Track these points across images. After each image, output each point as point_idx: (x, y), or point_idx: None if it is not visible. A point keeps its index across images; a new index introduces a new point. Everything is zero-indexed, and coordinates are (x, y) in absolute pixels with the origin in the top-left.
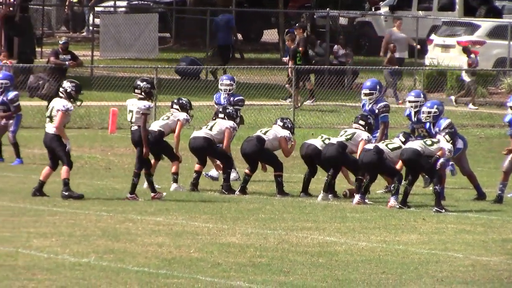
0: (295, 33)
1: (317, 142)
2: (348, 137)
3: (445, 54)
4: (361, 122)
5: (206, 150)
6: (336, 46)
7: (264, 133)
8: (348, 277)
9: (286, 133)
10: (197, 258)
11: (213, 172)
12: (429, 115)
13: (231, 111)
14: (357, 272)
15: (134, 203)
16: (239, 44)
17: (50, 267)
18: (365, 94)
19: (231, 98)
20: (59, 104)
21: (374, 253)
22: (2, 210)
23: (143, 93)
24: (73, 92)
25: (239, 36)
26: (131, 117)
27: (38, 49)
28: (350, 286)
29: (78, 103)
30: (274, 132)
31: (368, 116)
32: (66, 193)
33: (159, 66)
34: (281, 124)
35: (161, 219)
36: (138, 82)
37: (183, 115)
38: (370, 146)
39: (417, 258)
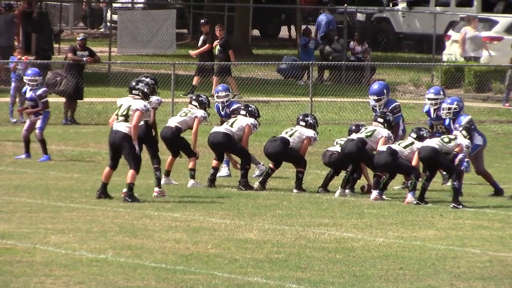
0: (203, 29)
1: (338, 149)
2: (369, 134)
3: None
4: (379, 120)
5: (225, 145)
6: (352, 42)
7: (290, 136)
8: (366, 273)
9: (311, 133)
10: (214, 254)
11: (223, 172)
12: (449, 111)
13: (253, 109)
14: (374, 268)
15: (151, 199)
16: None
17: (67, 263)
18: (375, 100)
19: (228, 110)
20: (139, 103)
21: (391, 249)
22: (20, 206)
23: (140, 94)
24: (148, 91)
25: (257, 32)
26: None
27: (55, 45)
28: (368, 282)
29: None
30: (299, 134)
31: (387, 113)
32: (130, 199)
33: (176, 62)
34: (304, 123)
35: (178, 215)
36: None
37: (201, 112)
38: (383, 147)
39: (435, 254)
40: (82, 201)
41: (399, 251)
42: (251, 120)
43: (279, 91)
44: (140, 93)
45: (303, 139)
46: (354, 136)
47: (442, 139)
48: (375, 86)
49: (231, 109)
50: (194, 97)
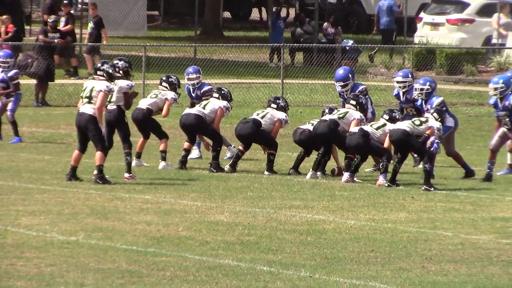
0: (64, 10)
1: (310, 127)
2: (341, 115)
3: (434, 32)
4: (352, 102)
5: (197, 127)
6: (325, 24)
7: (262, 117)
8: (337, 256)
9: (283, 115)
10: (185, 237)
11: (194, 154)
12: (421, 92)
13: (226, 92)
14: (346, 251)
15: (123, 181)
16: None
17: (38, 245)
18: (341, 86)
19: (198, 92)
20: (101, 84)
21: (363, 232)
22: None
23: (104, 75)
24: (111, 71)
25: (228, 14)
26: (111, 97)
27: (27, 27)
28: (339, 265)
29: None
30: (271, 116)
31: (360, 96)
32: (100, 181)
33: (147, 44)
34: (275, 106)
35: (149, 197)
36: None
37: (171, 94)
38: (355, 129)
39: (406, 236)
40: (53, 183)
41: (370, 234)
42: (223, 103)
43: (250, 73)
44: (104, 74)
45: (274, 121)
46: (326, 117)
47: (413, 122)
48: (340, 72)
49: (202, 91)
50: (164, 78)
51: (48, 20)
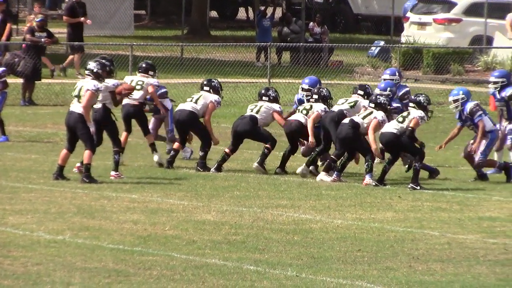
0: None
1: (299, 117)
2: (351, 104)
3: (421, 31)
4: (360, 92)
5: (189, 124)
6: (311, 23)
7: (257, 112)
8: (324, 255)
9: (276, 107)
10: (172, 236)
11: (187, 152)
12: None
13: (215, 83)
14: (333, 250)
15: (109, 180)
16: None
17: (25, 244)
18: (304, 89)
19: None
20: (89, 83)
21: (350, 231)
22: None
23: (91, 74)
24: (100, 71)
25: (215, 13)
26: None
27: (14, 27)
28: (326, 264)
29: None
30: (265, 108)
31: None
32: (87, 180)
33: (134, 43)
34: (267, 98)
35: (136, 196)
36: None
37: (214, 97)
38: (346, 120)
39: (393, 236)
40: (40, 182)
41: (357, 233)
42: (215, 97)
43: (236, 72)
44: (90, 73)
45: (271, 113)
46: (335, 108)
47: (397, 120)
48: (307, 80)
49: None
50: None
51: (35, 19)
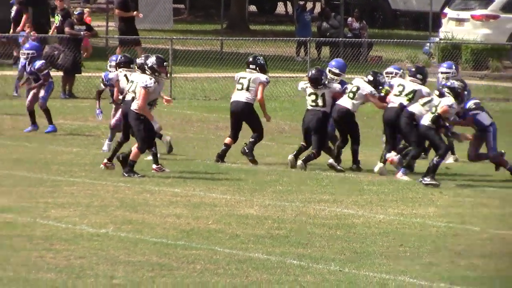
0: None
1: (347, 102)
2: (410, 96)
3: (459, 27)
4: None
5: (246, 116)
6: (350, 18)
7: (247, 89)
8: (366, 250)
9: (263, 78)
10: (215, 230)
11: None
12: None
13: (261, 61)
14: (375, 245)
15: (152, 174)
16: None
17: (68, 237)
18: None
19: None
20: (141, 79)
21: (392, 226)
22: (19, 180)
23: (140, 69)
24: (155, 66)
25: (254, 8)
26: (134, 88)
27: (52, 19)
28: (368, 259)
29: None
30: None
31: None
32: (126, 174)
33: (174, 37)
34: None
35: (178, 190)
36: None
37: (263, 77)
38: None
39: (435, 231)
40: (82, 175)
41: (399, 228)
42: (263, 78)
43: (276, 67)
44: (148, 69)
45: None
46: (396, 100)
47: (431, 112)
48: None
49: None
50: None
51: (75, 12)
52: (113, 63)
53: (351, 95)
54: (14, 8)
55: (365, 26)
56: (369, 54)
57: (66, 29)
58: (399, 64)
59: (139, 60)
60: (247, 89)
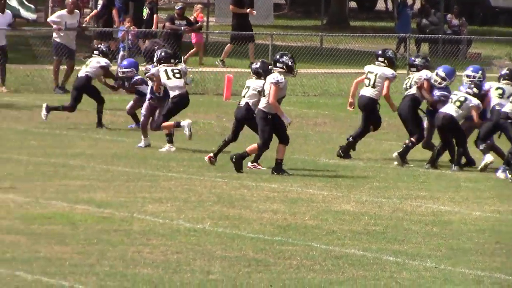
0: None
1: (452, 109)
2: (458, 104)
3: None
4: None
5: (369, 111)
6: (449, 15)
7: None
8: (462, 247)
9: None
10: (312, 225)
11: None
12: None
13: (390, 54)
14: (471, 242)
15: (249, 170)
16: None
17: (165, 232)
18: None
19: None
20: (270, 77)
21: (488, 223)
22: (117, 175)
23: (284, 67)
24: (291, 63)
25: (354, 4)
26: (245, 93)
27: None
28: (464, 256)
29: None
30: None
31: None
32: (278, 172)
33: (274, 32)
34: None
35: (276, 186)
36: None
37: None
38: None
39: None
40: (180, 170)
41: (495, 225)
42: (389, 73)
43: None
44: (283, 66)
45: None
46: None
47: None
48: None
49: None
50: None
51: (175, 7)
52: (122, 54)
53: (458, 103)
54: (101, 3)
55: (465, 23)
56: (468, 51)
57: (167, 24)
58: (498, 61)
59: (254, 65)
60: (373, 85)
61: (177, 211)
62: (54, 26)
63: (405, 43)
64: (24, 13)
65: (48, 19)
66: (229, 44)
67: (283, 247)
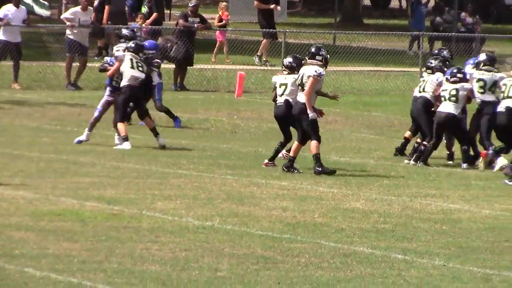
0: None
1: (451, 107)
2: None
3: None
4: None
5: (420, 115)
6: (463, 13)
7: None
8: (471, 245)
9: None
10: (321, 223)
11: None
12: None
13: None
14: (480, 240)
15: (259, 167)
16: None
17: (174, 229)
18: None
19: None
20: (310, 69)
21: (498, 221)
22: (127, 172)
23: (322, 60)
24: (327, 56)
25: (368, 1)
26: (283, 91)
27: (167, 11)
28: (473, 254)
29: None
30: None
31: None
32: (320, 169)
33: (287, 30)
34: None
35: (285, 183)
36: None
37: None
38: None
39: None
40: (190, 167)
41: (505, 224)
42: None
43: (388, 61)
44: (323, 59)
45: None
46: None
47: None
48: None
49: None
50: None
51: (189, 4)
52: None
53: (453, 99)
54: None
55: (479, 21)
56: (482, 49)
57: (180, 21)
58: (511, 59)
59: (287, 60)
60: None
61: (186, 208)
62: (68, 23)
63: (419, 41)
64: (38, 10)
65: (62, 16)
66: (264, 40)
67: (291, 244)
